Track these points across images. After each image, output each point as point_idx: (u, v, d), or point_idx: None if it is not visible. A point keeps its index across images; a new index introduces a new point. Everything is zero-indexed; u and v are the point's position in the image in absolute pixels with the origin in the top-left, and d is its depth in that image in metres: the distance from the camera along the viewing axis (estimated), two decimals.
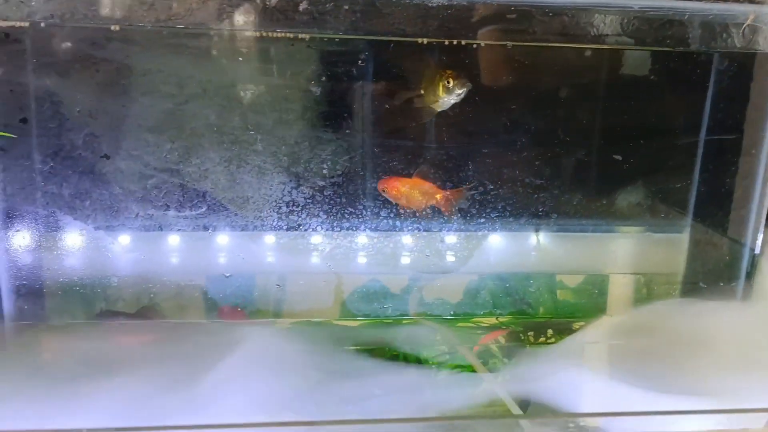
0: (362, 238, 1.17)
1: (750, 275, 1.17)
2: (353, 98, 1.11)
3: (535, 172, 1.18)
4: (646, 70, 1.19)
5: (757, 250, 1.16)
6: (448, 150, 1.15)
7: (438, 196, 1.11)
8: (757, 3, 1.01)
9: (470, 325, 1.24)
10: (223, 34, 1.00)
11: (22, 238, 0.99)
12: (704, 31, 1.05)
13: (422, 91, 1.08)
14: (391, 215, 1.14)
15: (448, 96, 1.05)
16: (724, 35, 1.05)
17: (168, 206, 1.05)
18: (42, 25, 0.91)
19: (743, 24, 1.03)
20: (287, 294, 1.16)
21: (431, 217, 1.13)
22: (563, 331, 1.22)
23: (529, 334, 1.23)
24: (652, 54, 1.16)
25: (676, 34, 1.04)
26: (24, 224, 0.99)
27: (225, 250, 1.12)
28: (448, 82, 1.03)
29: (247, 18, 0.94)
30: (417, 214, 1.12)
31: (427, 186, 1.10)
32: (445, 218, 1.14)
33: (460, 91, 1.04)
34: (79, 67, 0.96)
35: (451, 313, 1.23)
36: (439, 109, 1.07)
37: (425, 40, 1.01)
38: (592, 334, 1.19)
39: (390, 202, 1.12)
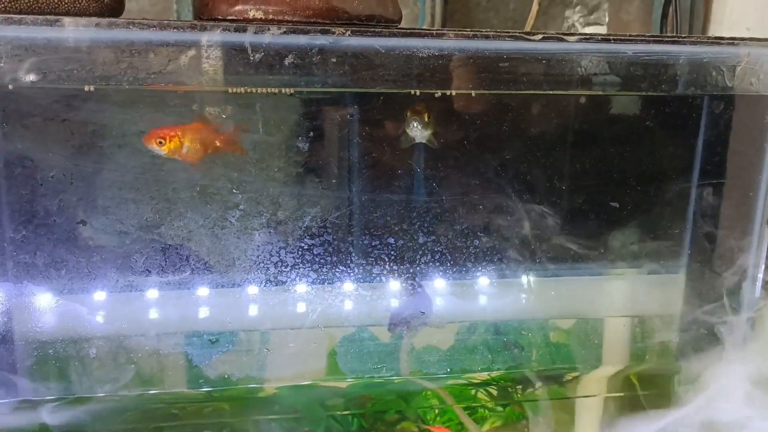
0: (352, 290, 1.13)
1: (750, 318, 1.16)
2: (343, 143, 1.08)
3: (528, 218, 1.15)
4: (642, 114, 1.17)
5: (757, 293, 1.14)
6: (439, 198, 1.12)
7: (218, 141, 1.00)
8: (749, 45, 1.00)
9: (462, 381, 1.20)
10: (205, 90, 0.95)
11: None
12: (698, 75, 1.03)
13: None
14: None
15: (409, 130, 1.04)
16: (719, 78, 1.04)
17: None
18: (10, 87, 0.85)
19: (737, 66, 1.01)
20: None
21: None
22: None
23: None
24: (648, 99, 1.14)
25: (669, 78, 1.02)
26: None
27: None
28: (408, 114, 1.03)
29: (231, 74, 0.90)
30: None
31: (207, 131, 0.99)
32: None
33: (415, 124, 1.03)
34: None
35: (447, 370, 1.19)
36: (417, 140, 1.06)
37: (418, 92, 0.97)
38: None
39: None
